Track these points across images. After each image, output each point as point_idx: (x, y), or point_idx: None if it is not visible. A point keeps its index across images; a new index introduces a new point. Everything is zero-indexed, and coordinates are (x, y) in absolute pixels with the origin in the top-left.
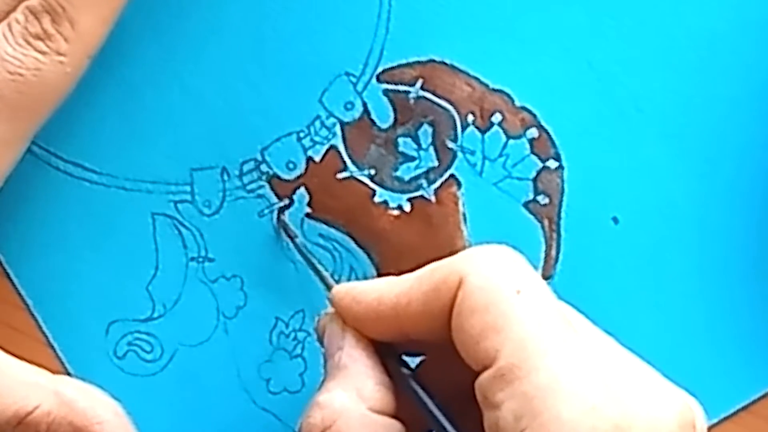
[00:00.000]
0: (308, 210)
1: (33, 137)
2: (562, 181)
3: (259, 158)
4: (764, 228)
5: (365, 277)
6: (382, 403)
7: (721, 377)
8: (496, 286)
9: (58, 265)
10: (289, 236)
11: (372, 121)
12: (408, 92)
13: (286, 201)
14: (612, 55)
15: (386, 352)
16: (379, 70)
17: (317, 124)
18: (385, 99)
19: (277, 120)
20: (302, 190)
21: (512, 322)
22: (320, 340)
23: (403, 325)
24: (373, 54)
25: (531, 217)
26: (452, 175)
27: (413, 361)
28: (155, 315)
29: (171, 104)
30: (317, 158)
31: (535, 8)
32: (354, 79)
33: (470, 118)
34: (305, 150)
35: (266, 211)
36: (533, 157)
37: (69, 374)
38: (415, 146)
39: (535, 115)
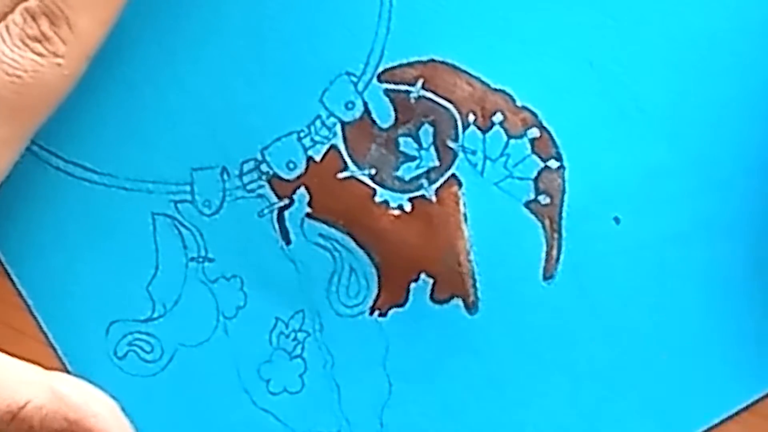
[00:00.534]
0: (308, 210)
1: (32, 138)
2: (564, 181)
3: (260, 158)
4: (765, 228)
5: (365, 278)
6: None
7: (722, 377)
8: None
9: (58, 265)
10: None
11: (373, 120)
12: (409, 92)
13: (286, 201)
14: (613, 55)
15: None
16: (380, 69)
17: (318, 123)
18: (385, 99)
19: (278, 120)
20: (302, 189)
21: None
22: None
23: None
24: (373, 53)
25: (532, 217)
26: (453, 175)
27: None
28: (155, 315)
29: (171, 104)
30: (318, 158)
31: (536, 8)
32: (355, 79)
33: (471, 117)
34: (305, 150)
35: (266, 211)
36: (534, 157)
37: (69, 374)
38: (416, 146)
39: (536, 115)
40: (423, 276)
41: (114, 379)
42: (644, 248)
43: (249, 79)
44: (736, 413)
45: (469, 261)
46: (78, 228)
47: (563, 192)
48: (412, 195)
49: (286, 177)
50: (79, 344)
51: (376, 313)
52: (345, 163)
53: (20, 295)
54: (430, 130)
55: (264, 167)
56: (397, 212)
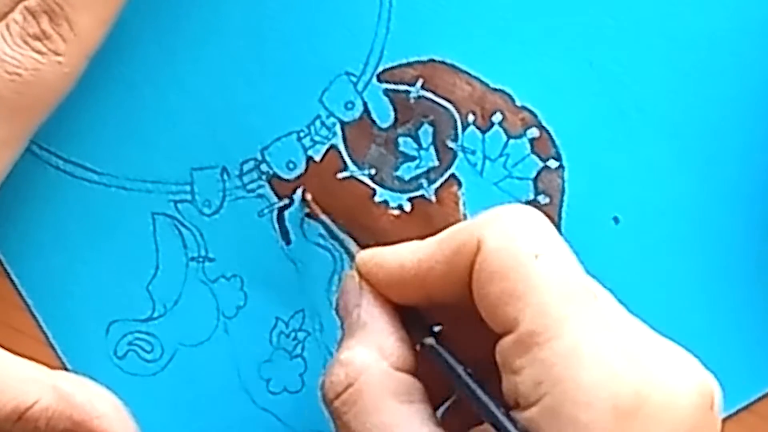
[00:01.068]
0: (308, 210)
1: (32, 137)
2: (563, 180)
3: (259, 158)
4: (765, 228)
5: None
6: (402, 359)
7: (722, 377)
8: (514, 251)
9: (58, 265)
10: (311, 210)
11: (372, 120)
12: (408, 92)
13: (286, 201)
14: (612, 55)
15: (413, 321)
16: (380, 69)
17: (317, 123)
18: (385, 99)
19: (277, 120)
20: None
21: (531, 288)
22: (337, 300)
23: (426, 289)
24: (373, 53)
25: None
26: (453, 175)
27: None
28: (155, 315)
29: (171, 104)
30: (317, 158)
31: (535, 8)
32: (354, 79)
33: (471, 117)
34: (305, 150)
35: (266, 211)
36: (534, 157)
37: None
38: (415, 146)
39: (535, 115)
40: None
41: (114, 379)
42: (643, 248)
43: (249, 79)
44: (736, 413)
45: None
46: (78, 228)
47: (562, 192)
48: (411, 195)
49: (285, 177)
50: (79, 344)
51: None
52: (345, 163)
53: (20, 294)
54: (430, 130)
55: (264, 167)
56: (396, 212)
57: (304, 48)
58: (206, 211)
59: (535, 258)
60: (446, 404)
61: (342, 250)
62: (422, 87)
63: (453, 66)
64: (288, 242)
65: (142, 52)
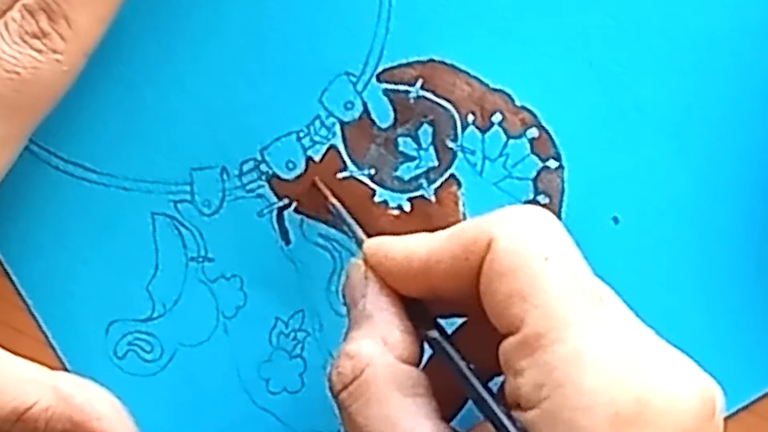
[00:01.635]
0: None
1: (31, 136)
2: (563, 180)
3: (259, 158)
4: (765, 228)
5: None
6: (408, 352)
7: (721, 377)
8: (525, 251)
9: (58, 265)
10: (324, 197)
11: (372, 120)
12: (408, 92)
13: (286, 201)
14: (612, 55)
15: (418, 313)
16: (379, 69)
17: (317, 123)
18: (385, 99)
19: (277, 120)
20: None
21: (538, 290)
22: (343, 290)
23: (432, 282)
24: (373, 54)
25: None
26: (452, 175)
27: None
28: (155, 315)
29: (171, 104)
30: (317, 158)
31: (535, 8)
32: (354, 79)
33: (470, 117)
34: (305, 150)
35: (266, 211)
36: (533, 157)
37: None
38: (415, 146)
39: (535, 115)
40: None
41: (114, 379)
42: (643, 248)
43: (249, 79)
44: (736, 413)
45: None
46: (78, 228)
47: (562, 192)
48: (411, 195)
49: (285, 177)
50: (79, 344)
51: None
52: (344, 163)
53: (20, 294)
54: (430, 130)
55: (263, 167)
56: (396, 212)
57: (303, 48)
58: (206, 211)
59: (544, 260)
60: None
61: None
62: (422, 87)
63: (453, 66)
64: (288, 242)
65: (142, 52)
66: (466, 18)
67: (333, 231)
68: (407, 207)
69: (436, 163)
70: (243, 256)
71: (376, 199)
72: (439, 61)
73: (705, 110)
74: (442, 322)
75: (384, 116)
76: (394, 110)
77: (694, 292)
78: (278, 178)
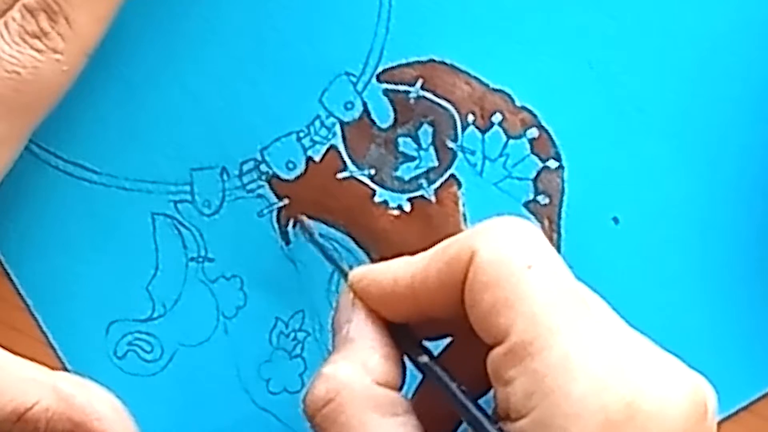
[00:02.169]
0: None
1: (31, 136)
2: (563, 181)
3: (259, 158)
4: (765, 228)
5: None
6: (387, 376)
7: (722, 377)
8: (507, 261)
9: (58, 265)
10: (303, 227)
11: (372, 120)
12: (408, 92)
13: (286, 201)
14: (612, 55)
15: (406, 339)
16: (379, 69)
17: (317, 123)
18: (385, 99)
19: (277, 120)
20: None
21: (523, 298)
22: (332, 317)
23: (420, 303)
24: (373, 54)
25: (531, 217)
26: (452, 175)
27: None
28: (155, 315)
29: (171, 104)
30: (317, 158)
31: (535, 8)
32: (354, 79)
33: (470, 118)
34: (305, 150)
35: (266, 211)
36: (533, 157)
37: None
38: (415, 146)
39: (535, 115)
40: None
41: (114, 379)
42: (643, 248)
43: (249, 79)
44: (736, 413)
45: None
46: (78, 228)
47: (562, 192)
48: (411, 195)
49: (285, 177)
50: (79, 344)
51: None
52: (344, 163)
53: (20, 295)
54: (430, 130)
55: (263, 167)
56: (396, 212)
57: (304, 48)
58: (206, 211)
59: (527, 269)
60: None
61: (341, 248)
62: (422, 87)
63: (453, 66)
64: (287, 242)
65: (142, 52)
66: (466, 18)
67: (333, 231)
68: (407, 207)
69: (436, 164)
70: (243, 256)
71: (376, 199)
72: (439, 61)
73: (705, 110)
74: (429, 345)
75: (384, 116)
76: (394, 110)
77: (694, 292)
78: (278, 178)
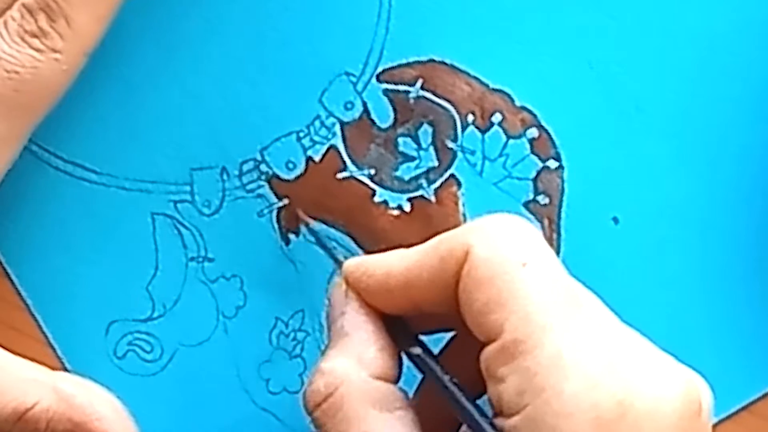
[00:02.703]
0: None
1: (31, 136)
2: (562, 181)
3: (259, 158)
4: (765, 228)
5: None
6: (383, 369)
7: (721, 377)
8: (502, 258)
9: (58, 265)
10: (305, 223)
11: (372, 120)
12: (408, 92)
13: (286, 201)
14: (612, 55)
15: (400, 331)
16: (379, 69)
17: (317, 123)
18: (385, 99)
19: (277, 120)
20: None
21: (516, 296)
22: (326, 309)
23: (413, 297)
24: (373, 54)
25: (531, 217)
26: (452, 175)
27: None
28: (155, 315)
29: (171, 104)
30: (317, 158)
31: (535, 8)
32: (354, 79)
33: (470, 118)
34: (305, 150)
35: (266, 211)
36: (533, 157)
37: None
38: (415, 146)
39: (535, 115)
40: None
41: (114, 379)
42: (643, 248)
43: (249, 79)
44: (736, 413)
45: None
46: (78, 228)
47: (562, 192)
48: (411, 195)
49: (285, 177)
50: (79, 344)
51: None
52: (344, 163)
53: (20, 295)
54: (429, 130)
55: (263, 167)
56: (396, 212)
57: (304, 48)
58: (206, 211)
59: (522, 266)
60: None
61: (341, 248)
62: (422, 87)
63: (452, 66)
64: (287, 242)
65: (142, 52)
66: (466, 18)
67: (332, 231)
68: (407, 207)
69: (436, 163)
70: (243, 256)
71: (376, 199)
72: (439, 61)
73: (705, 110)
74: (425, 339)
75: (384, 116)
76: (394, 110)
77: (694, 292)
78: (278, 178)
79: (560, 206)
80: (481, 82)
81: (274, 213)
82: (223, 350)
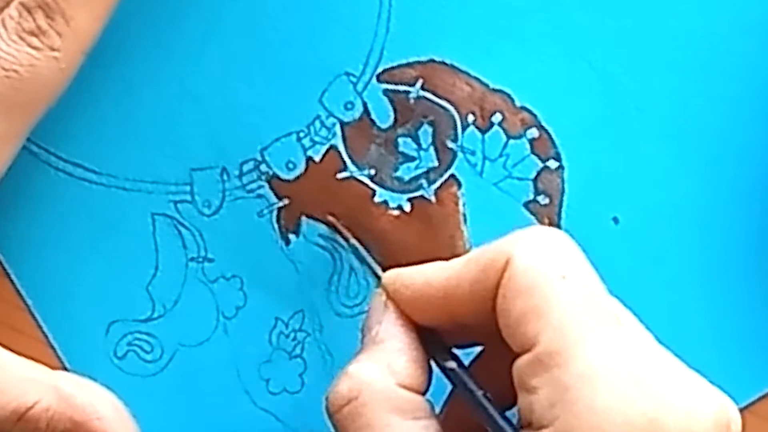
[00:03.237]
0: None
1: (31, 136)
2: (563, 181)
3: (259, 158)
4: (765, 228)
5: (365, 278)
6: (411, 379)
7: (722, 377)
8: (542, 270)
9: (58, 265)
10: (345, 238)
11: (372, 121)
12: (408, 92)
13: (286, 201)
14: (612, 55)
15: (435, 344)
16: (380, 70)
17: (317, 124)
18: (385, 99)
19: (277, 120)
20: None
21: (554, 308)
22: (364, 320)
23: (451, 308)
24: (373, 54)
25: (531, 217)
26: (452, 175)
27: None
28: (155, 315)
29: (171, 104)
30: (317, 158)
31: (535, 8)
32: (354, 79)
33: (470, 118)
34: (305, 150)
35: (266, 211)
36: (533, 157)
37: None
38: (415, 146)
39: (535, 115)
40: None
41: (114, 379)
42: (643, 248)
43: (249, 79)
44: None
45: None
46: (78, 228)
47: (562, 192)
48: (411, 195)
49: (285, 177)
50: (79, 344)
51: None
52: (344, 163)
53: (20, 295)
54: (430, 130)
55: (263, 167)
56: (396, 212)
57: (304, 48)
58: (206, 211)
59: (561, 279)
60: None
61: (341, 248)
62: (422, 87)
63: (453, 66)
64: (287, 242)
65: (142, 52)
66: (466, 18)
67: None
68: (407, 207)
69: (436, 164)
70: (243, 257)
71: (376, 199)
72: (439, 62)
73: (705, 110)
74: (458, 352)
75: (384, 116)
76: (394, 110)
77: (694, 292)
78: (278, 178)
79: (560, 206)
80: (482, 83)
81: (274, 213)
82: (223, 350)
